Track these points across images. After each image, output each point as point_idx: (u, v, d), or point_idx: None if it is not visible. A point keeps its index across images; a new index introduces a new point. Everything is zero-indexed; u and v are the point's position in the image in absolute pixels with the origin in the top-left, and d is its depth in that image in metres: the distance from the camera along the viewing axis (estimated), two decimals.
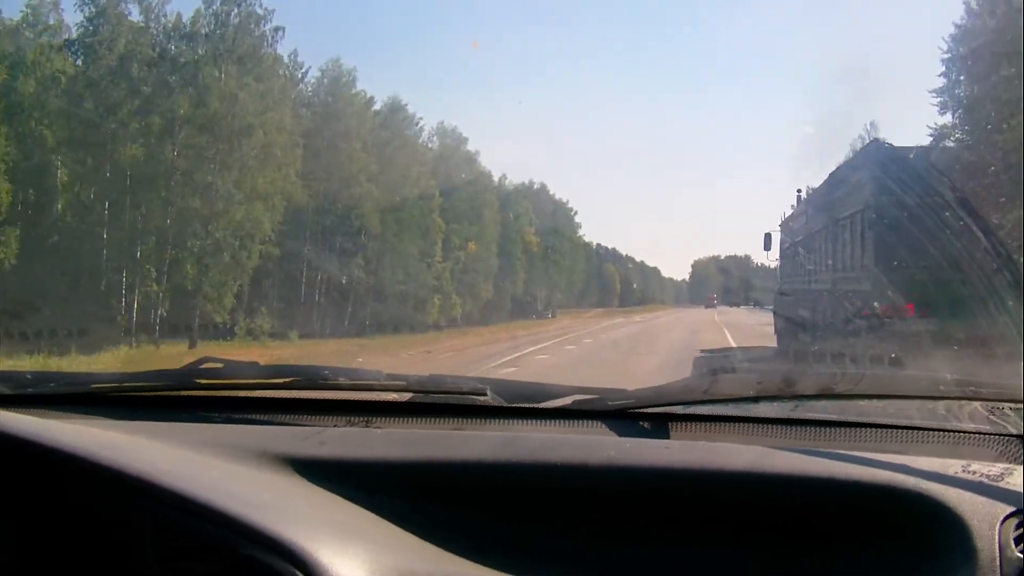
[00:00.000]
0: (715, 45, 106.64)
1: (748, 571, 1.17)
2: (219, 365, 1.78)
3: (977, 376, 1.64)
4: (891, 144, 10.96)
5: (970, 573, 1.04)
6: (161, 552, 1.07)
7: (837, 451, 1.28)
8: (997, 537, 1.07)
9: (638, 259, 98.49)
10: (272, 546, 1.01)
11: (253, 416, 1.61)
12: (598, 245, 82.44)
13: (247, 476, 1.24)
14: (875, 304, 9.55)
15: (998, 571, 1.04)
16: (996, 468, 1.23)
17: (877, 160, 10.35)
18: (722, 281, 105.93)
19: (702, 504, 1.21)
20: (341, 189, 32.52)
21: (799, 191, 16.34)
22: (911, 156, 10.60)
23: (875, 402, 1.62)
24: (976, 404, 1.52)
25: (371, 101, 35.74)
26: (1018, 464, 1.27)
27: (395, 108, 37.40)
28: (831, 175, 13.25)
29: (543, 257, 57.24)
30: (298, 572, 0.98)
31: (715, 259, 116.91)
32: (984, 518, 1.09)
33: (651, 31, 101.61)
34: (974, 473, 1.20)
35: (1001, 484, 1.17)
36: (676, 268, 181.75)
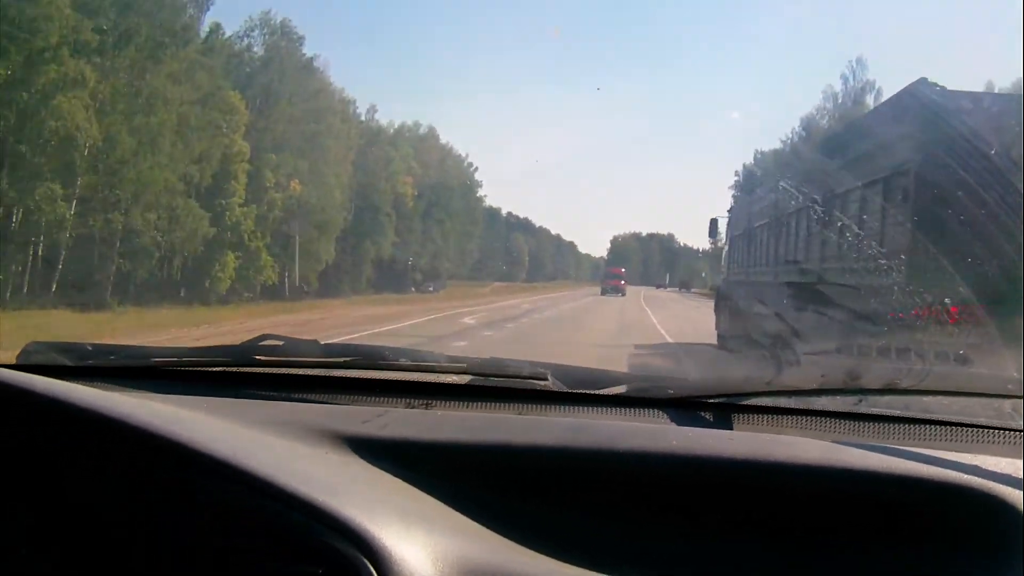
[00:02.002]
0: (645, 21, 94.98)
1: (810, 565, 1.16)
2: (279, 342, 1.77)
3: None
4: (943, 87, 7.43)
5: None
6: (221, 528, 1.06)
7: (904, 448, 1.28)
8: None
9: (554, 232, 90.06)
10: (335, 526, 0.99)
11: (312, 395, 1.59)
12: (508, 213, 72.46)
13: (308, 455, 1.23)
14: (908, 304, 6.64)
15: None
16: None
17: (927, 104, 7.13)
18: (642, 258, 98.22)
19: (768, 497, 1.20)
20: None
21: (737, 172, 12.98)
22: (983, 103, 7.44)
23: (941, 399, 1.56)
24: None
25: None
26: None
27: None
28: (828, 138, 10.54)
29: (425, 216, 45.35)
30: (360, 554, 0.97)
31: (635, 236, 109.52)
32: None
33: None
34: None
35: None
36: (595, 244, 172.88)
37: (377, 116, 45.21)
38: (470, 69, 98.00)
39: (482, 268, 61.99)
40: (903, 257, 7.18)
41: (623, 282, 49.99)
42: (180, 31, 24.12)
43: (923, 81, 7.53)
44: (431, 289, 43.57)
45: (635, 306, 30.14)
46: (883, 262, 7.63)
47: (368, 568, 0.96)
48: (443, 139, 54.29)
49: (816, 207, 9.87)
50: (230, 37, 30.07)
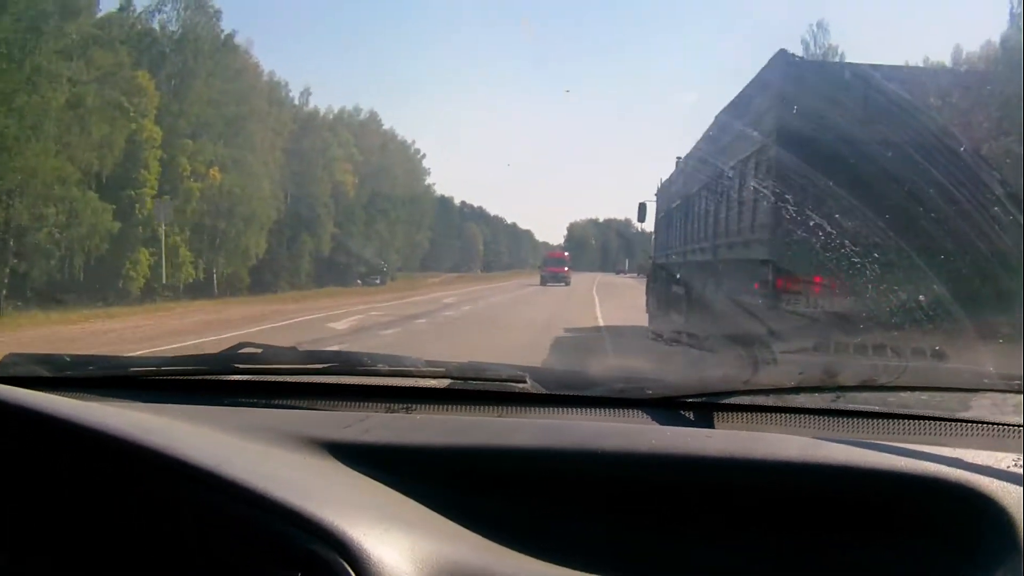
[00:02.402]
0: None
1: (793, 562, 1.16)
2: (257, 350, 1.78)
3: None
4: (803, 57, 8.99)
5: (1015, 567, 1.04)
6: (201, 535, 1.08)
7: (883, 443, 1.28)
8: None
9: (509, 220, 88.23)
10: (315, 531, 1.00)
11: (292, 401, 1.60)
12: (462, 203, 70.50)
13: (288, 461, 1.24)
14: (768, 276, 6.91)
15: None
16: None
17: (786, 76, 7.00)
18: (600, 244, 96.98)
19: (749, 494, 1.21)
20: None
21: (679, 158, 13.58)
22: (844, 74, 7.27)
23: (918, 394, 1.58)
24: (1021, 397, 1.51)
25: None
26: None
27: None
28: (720, 113, 9.65)
29: (368, 205, 42.98)
30: (340, 557, 0.98)
31: (593, 222, 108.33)
32: None
33: None
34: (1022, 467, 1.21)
35: None
36: (553, 232, 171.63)
37: (315, 101, 42.92)
38: (418, 56, 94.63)
39: (436, 258, 59.93)
40: (768, 233, 7.08)
41: (567, 268, 43.48)
42: (69, 2, 21.40)
43: (783, 51, 7.35)
44: (377, 282, 40.84)
45: (581, 297, 26.65)
46: (753, 237, 7.66)
47: (347, 571, 0.96)
48: (386, 125, 51.64)
49: (707, 187, 9.97)
50: (141, 13, 27.35)
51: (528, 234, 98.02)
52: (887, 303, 5.15)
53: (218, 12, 29.08)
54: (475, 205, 77.62)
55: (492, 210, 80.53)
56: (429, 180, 57.20)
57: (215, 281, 28.94)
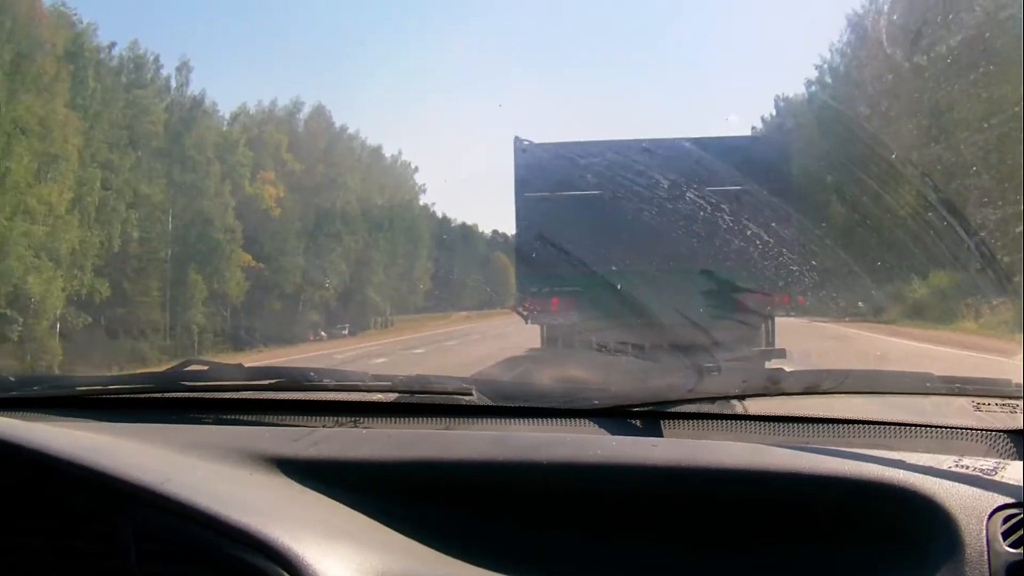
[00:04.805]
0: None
1: (740, 569, 1.17)
2: (204, 367, 1.78)
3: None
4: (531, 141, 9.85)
5: (958, 566, 1.06)
6: (145, 554, 1.08)
7: (827, 447, 1.29)
8: (985, 531, 1.09)
9: None
10: (258, 546, 1.02)
11: (240, 417, 1.61)
12: (494, 232, 62.01)
13: (233, 477, 1.25)
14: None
15: (986, 565, 1.06)
16: (986, 463, 1.25)
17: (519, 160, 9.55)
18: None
19: (696, 501, 1.22)
20: None
21: None
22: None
23: (862, 399, 1.63)
24: (963, 400, 1.55)
25: None
26: (1007, 459, 1.30)
27: None
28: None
29: (317, 230, 32.82)
30: (284, 572, 0.99)
31: None
32: (972, 512, 1.11)
33: None
34: (964, 468, 1.22)
35: (990, 478, 1.19)
36: None
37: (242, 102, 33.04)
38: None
39: (459, 293, 47.65)
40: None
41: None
42: None
43: (516, 139, 9.34)
44: (344, 332, 31.54)
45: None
46: None
47: None
48: (333, 115, 37.85)
49: None
50: None
51: None
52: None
53: None
54: (510, 234, 68.57)
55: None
56: (425, 200, 44.27)
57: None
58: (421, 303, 41.11)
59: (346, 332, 32.76)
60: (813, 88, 30.16)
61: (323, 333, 32.13)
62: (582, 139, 11.24)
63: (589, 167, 8.33)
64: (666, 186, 7.27)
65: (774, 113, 32.33)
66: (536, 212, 9.04)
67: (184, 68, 28.83)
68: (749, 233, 7.07)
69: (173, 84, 28.64)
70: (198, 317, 26.83)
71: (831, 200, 20.94)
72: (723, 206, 7.12)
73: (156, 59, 27.83)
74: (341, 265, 34.08)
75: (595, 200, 8.31)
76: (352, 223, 34.91)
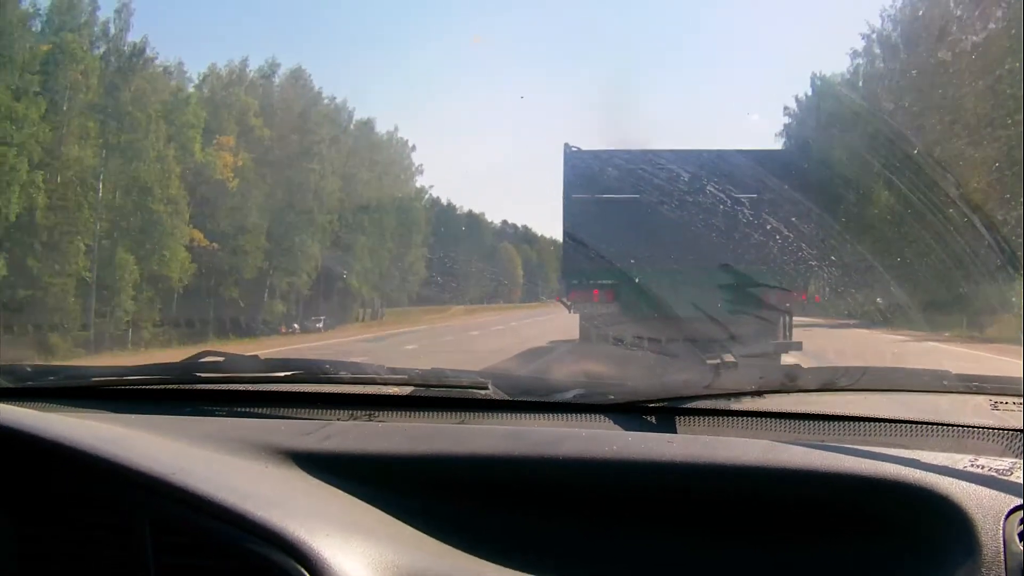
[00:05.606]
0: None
1: (754, 565, 1.17)
2: (220, 359, 1.77)
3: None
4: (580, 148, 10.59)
5: (974, 566, 1.06)
6: (160, 547, 1.08)
7: (843, 445, 1.28)
8: (1001, 531, 1.08)
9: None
10: (274, 540, 1.01)
11: (255, 410, 1.61)
12: (503, 222, 58.01)
13: (249, 470, 1.24)
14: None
15: (1002, 565, 1.06)
16: (1003, 462, 1.24)
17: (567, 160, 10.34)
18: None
19: (710, 498, 1.22)
20: None
21: None
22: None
23: (879, 397, 1.62)
24: (980, 399, 1.54)
25: None
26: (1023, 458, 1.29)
27: None
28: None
29: (285, 208, 28.42)
30: (300, 567, 0.99)
31: None
32: (989, 512, 1.11)
33: None
34: (981, 467, 1.21)
35: (1007, 478, 1.18)
36: None
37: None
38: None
39: (462, 285, 41.58)
40: None
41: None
42: None
43: (565, 145, 10.07)
44: (319, 326, 28.44)
45: None
46: None
47: None
48: (315, 80, 33.19)
49: None
50: None
51: None
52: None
53: None
54: (519, 225, 65.21)
55: (539, 230, 66.37)
56: (419, 181, 40.53)
57: None
58: (417, 294, 36.45)
59: (320, 325, 28.75)
60: (854, 64, 30.35)
61: (296, 326, 28.36)
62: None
63: (631, 173, 9.09)
64: (699, 192, 8.24)
65: (810, 92, 31.61)
66: (581, 212, 9.75)
67: (124, 11, 24.35)
68: (778, 236, 7.67)
69: (112, 30, 24.04)
70: (127, 304, 22.75)
71: (869, 197, 20.61)
72: (751, 212, 8.05)
73: (92, 0, 23.72)
74: (313, 247, 29.76)
75: (635, 203, 9.01)
76: (328, 200, 30.55)
